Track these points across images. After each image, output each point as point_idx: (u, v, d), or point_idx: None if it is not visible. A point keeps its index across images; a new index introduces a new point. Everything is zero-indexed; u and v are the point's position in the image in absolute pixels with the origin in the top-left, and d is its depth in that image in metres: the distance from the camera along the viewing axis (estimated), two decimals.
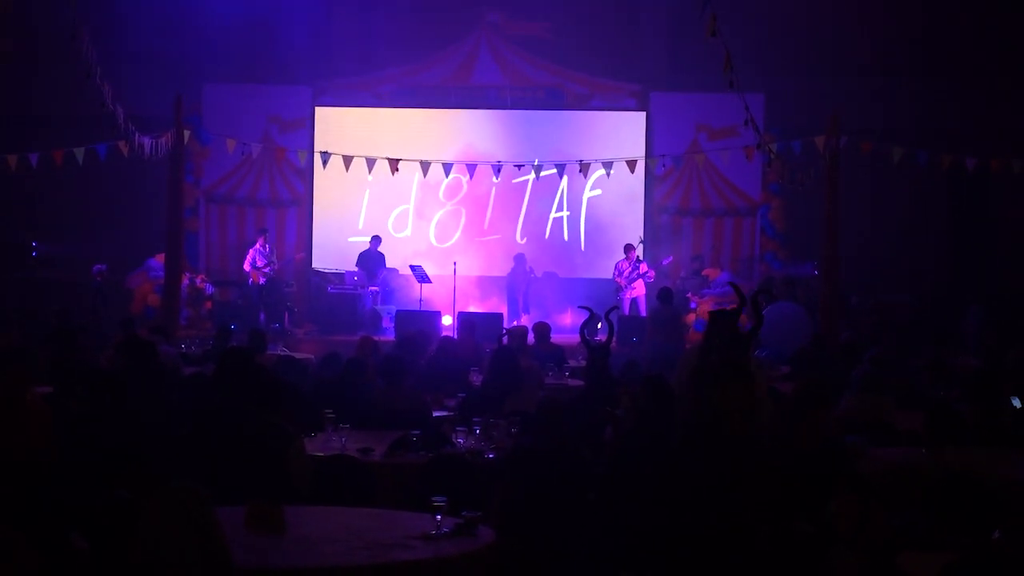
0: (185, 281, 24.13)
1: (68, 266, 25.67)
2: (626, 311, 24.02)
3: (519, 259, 25.08)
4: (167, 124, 22.26)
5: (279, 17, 26.81)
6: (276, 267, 25.12)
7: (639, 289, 24.46)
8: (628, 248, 24.77)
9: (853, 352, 15.49)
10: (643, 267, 24.43)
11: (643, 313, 24.20)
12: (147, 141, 20.92)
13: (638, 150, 25.71)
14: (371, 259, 25.22)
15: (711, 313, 11.71)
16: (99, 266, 24.74)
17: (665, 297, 20.77)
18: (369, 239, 25.65)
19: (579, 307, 19.30)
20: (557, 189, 26.28)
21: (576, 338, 16.38)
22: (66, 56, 17.83)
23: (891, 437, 10.72)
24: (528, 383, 12.96)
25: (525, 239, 26.48)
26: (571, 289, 25.20)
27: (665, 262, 25.42)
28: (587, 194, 26.45)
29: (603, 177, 24.75)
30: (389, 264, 25.59)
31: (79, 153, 22.44)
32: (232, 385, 9.51)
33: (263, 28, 26.81)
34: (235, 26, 26.27)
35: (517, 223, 26.65)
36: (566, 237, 26.68)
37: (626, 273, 24.36)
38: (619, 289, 24.25)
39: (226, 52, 26.51)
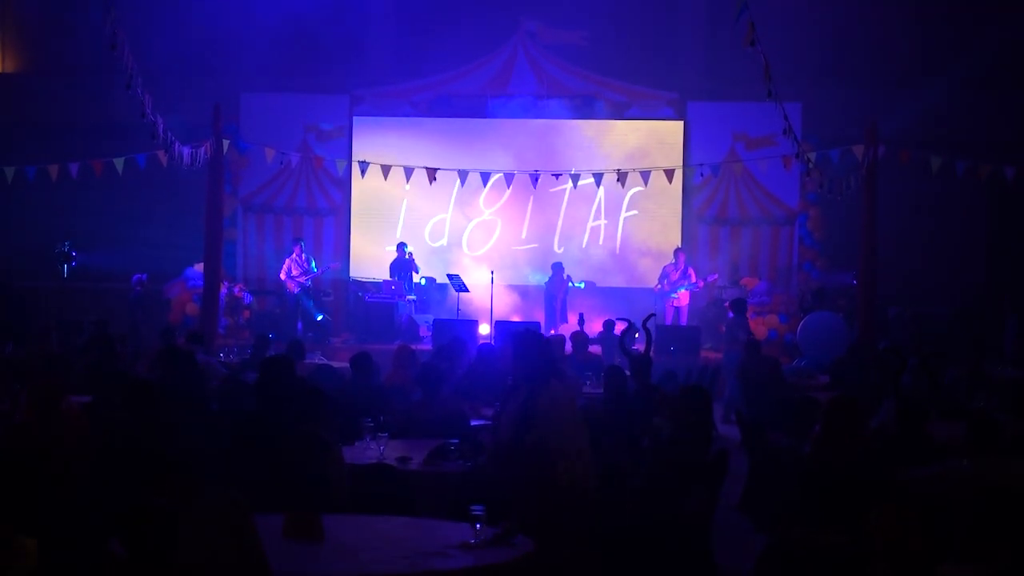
0: (223, 290, 24.19)
1: (107, 276, 25.77)
2: (668, 320, 23.97)
3: (557, 268, 25.02)
4: (205, 133, 22.36)
5: (316, 26, 26.93)
6: (315, 275, 25.15)
7: (683, 299, 24.39)
8: (677, 252, 24.73)
9: (891, 361, 15.39)
10: (692, 275, 24.37)
11: (684, 322, 24.14)
12: (186, 151, 21.00)
13: (676, 159, 25.66)
14: (402, 266, 25.17)
15: None
16: (138, 275, 24.82)
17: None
18: (396, 247, 25.53)
19: (617, 318, 19.32)
20: (594, 198, 26.21)
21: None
22: (106, 66, 17.93)
23: (930, 448, 10.64)
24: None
25: (563, 248, 26.42)
26: (609, 298, 25.15)
27: (711, 279, 25.25)
28: (624, 203, 26.37)
29: (640, 186, 24.73)
30: (427, 273, 25.54)
31: (119, 163, 22.56)
32: (273, 394, 9.53)
33: (300, 37, 26.94)
34: (272, 35, 26.38)
35: (555, 232, 26.60)
36: (603, 246, 26.59)
37: (673, 278, 24.31)
38: (663, 295, 24.21)
39: (263, 61, 26.60)
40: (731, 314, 21.91)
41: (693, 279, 24.37)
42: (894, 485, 8.46)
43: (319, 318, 24.95)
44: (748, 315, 22.02)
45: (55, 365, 13.79)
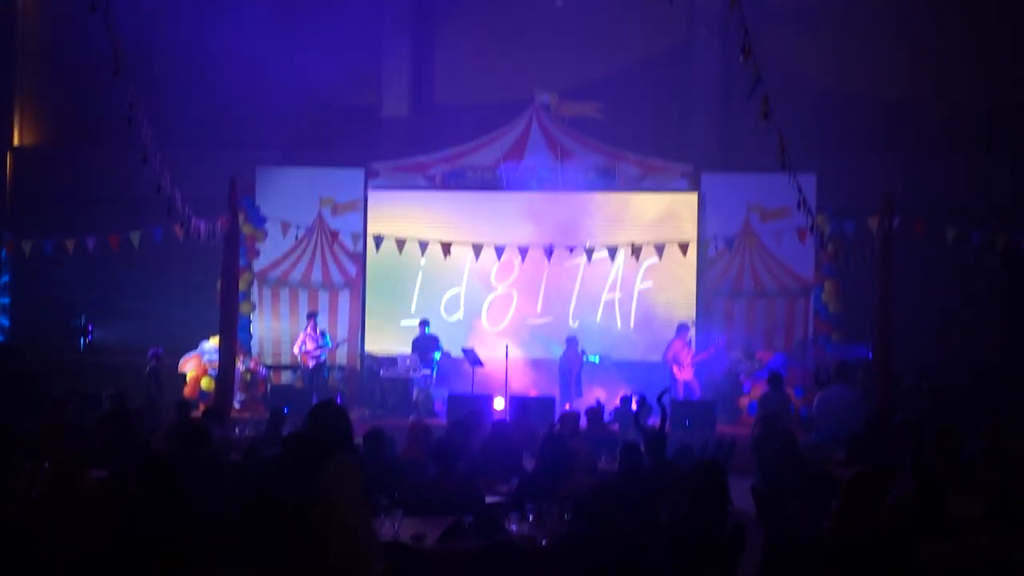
0: (239, 365, 24.21)
1: (123, 349, 25.80)
2: (678, 394, 23.92)
3: (571, 342, 24.97)
4: (221, 206, 22.44)
5: (332, 100, 27.11)
6: (330, 349, 25.19)
7: (687, 373, 24.39)
8: (681, 328, 24.74)
9: (907, 436, 15.31)
10: (683, 353, 24.45)
11: (694, 396, 24.11)
12: (203, 225, 21.06)
13: (690, 231, 25.70)
14: (424, 343, 25.19)
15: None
16: (154, 349, 24.83)
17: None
18: (418, 324, 25.60)
19: (631, 393, 19.28)
20: (609, 271, 26.22)
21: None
22: (123, 140, 18.03)
23: (949, 523, 10.58)
24: (579, 468, 12.90)
25: (577, 322, 26.39)
26: (624, 371, 25.09)
27: (715, 346, 25.26)
28: (639, 275, 26.35)
29: (655, 258, 24.75)
30: (443, 347, 25.52)
31: (135, 237, 22.67)
32: (294, 469, 9.51)
33: (316, 111, 27.13)
34: (288, 109, 26.63)
35: (569, 306, 26.58)
36: (618, 320, 26.55)
37: (679, 355, 24.34)
38: (673, 370, 24.21)
39: (279, 135, 26.80)
40: (767, 387, 21.88)
41: (684, 357, 24.41)
42: (913, 561, 8.41)
43: (341, 391, 25.00)
44: (782, 388, 21.97)
45: (71, 439, 13.78)
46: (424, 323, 25.46)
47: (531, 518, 10.40)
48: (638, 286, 26.44)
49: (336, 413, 8.77)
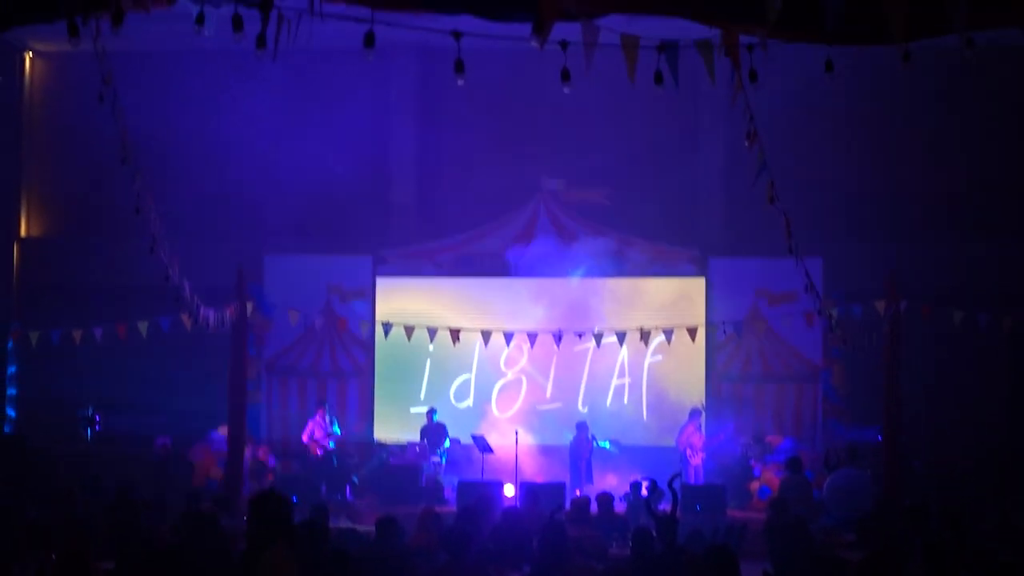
0: (247, 454, 24.16)
1: (131, 439, 25.73)
2: (689, 479, 23.84)
3: (581, 427, 24.92)
4: (228, 294, 22.52)
5: (338, 188, 27.24)
6: (338, 437, 25.14)
7: (698, 458, 24.35)
8: (694, 413, 24.72)
9: (917, 518, 15.24)
10: (696, 438, 24.44)
11: (702, 481, 24.04)
12: (211, 314, 21.11)
13: (698, 315, 25.70)
14: (432, 432, 25.15)
15: None
16: (162, 439, 24.79)
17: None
18: (426, 412, 25.57)
19: (642, 478, 19.22)
20: (618, 356, 26.17)
21: None
22: (130, 230, 18.11)
23: None
24: (584, 555, 12.85)
25: (587, 407, 26.33)
26: (634, 457, 25.01)
27: (729, 427, 25.23)
28: (648, 361, 26.29)
29: (664, 343, 24.74)
30: (453, 434, 25.45)
31: (143, 327, 22.72)
32: (303, 558, 9.47)
33: (323, 199, 27.24)
34: (295, 197, 26.77)
35: (579, 391, 26.52)
36: (628, 404, 26.48)
37: (692, 439, 24.31)
38: (684, 457, 24.16)
39: (286, 223, 26.94)
40: (787, 472, 21.84)
41: (697, 441, 24.40)
42: None
43: (355, 479, 24.92)
44: (803, 472, 21.90)
45: (79, 530, 13.74)
46: (431, 411, 25.43)
47: None
48: (647, 371, 26.39)
49: (275, 504, 8.56)
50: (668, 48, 9.84)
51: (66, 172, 28.89)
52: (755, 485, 24.52)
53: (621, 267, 26.33)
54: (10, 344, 27.19)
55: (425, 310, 25.80)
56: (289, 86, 26.75)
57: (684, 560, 11.39)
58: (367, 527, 17.19)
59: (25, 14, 9.69)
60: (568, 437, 25.09)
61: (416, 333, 24.45)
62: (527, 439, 25.14)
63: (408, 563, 12.18)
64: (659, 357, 26.26)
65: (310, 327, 25.60)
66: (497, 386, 26.67)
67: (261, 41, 9.27)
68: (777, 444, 25.13)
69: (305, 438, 25.10)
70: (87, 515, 16.92)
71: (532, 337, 24.58)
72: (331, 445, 24.96)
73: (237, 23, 9.19)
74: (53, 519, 15.80)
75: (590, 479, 24.36)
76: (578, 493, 22.17)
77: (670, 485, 13.98)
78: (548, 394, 26.53)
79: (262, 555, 8.24)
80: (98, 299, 26.26)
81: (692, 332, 24.08)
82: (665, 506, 15.59)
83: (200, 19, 9.31)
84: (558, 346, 24.66)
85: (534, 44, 8.92)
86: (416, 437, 25.23)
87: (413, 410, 26.18)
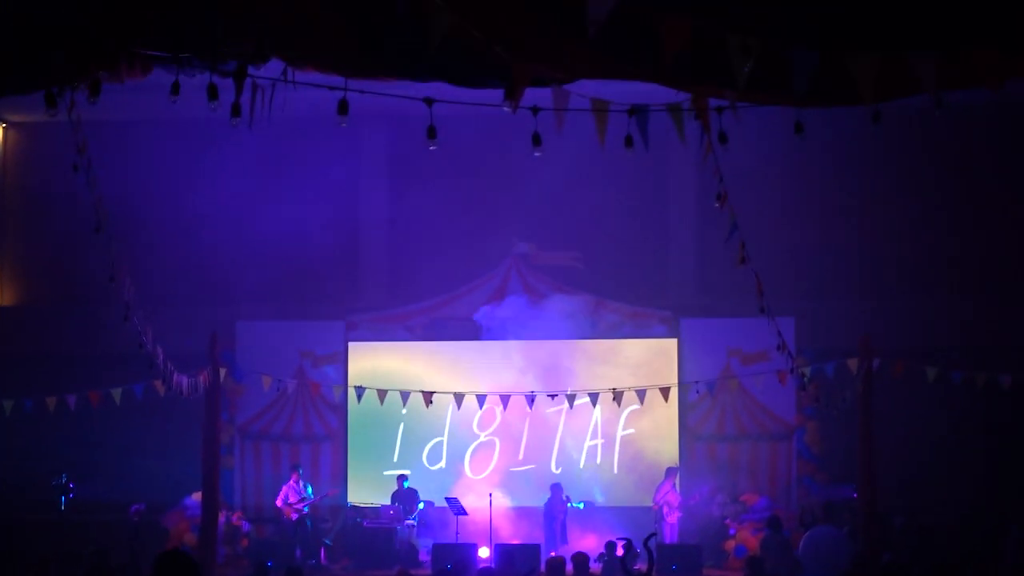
0: (221, 519, 24.11)
1: (105, 507, 25.61)
2: (665, 538, 23.87)
3: (555, 488, 24.97)
4: (201, 361, 22.53)
5: (311, 254, 27.29)
6: (312, 501, 25.09)
7: (672, 517, 24.40)
8: (670, 472, 24.79)
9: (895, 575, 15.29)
10: (673, 496, 24.51)
11: (677, 540, 24.08)
12: (184, 380, 21.11)
13: (671, 376, 25.77)
14: (403, 497, 25.14)
15: None
16: (136, 506, 24.71)
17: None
18: (396, 477, 25.57)
19: (618, 536, 19.22)
20: (591, 417, 26.19)
21: None
22: (104, 298, 18.13)
23: None
24: None
25: (560, 468, 26.33)
26: (608, 517, 25.02)
27: (704, 489, 25.30)
28: (621, 421, 26.32)
29: (637, 404, 24.81)
30: (425, 497, 25.45)
31: (116, 394, 22.71)
32: None
33: (294, 265, 27.29)
34: (267, 264, 26.83)
35: (552, 452, 26.51)
36: (601, 464, 26.48)
37: (668, 497, 24.37)
38: (660, 516, 24.20)
39: (259, 290, 26.97)
40: (767, 530, 21.87)
41: (673, 499, 24.46)
42: None
43: (328, 542, 24.90)
44: (783, 531, 21.92)
45: None
46: (402, 477, 25.43)
47: None
48: (620, 431, 26.41)
49: (182, 565, 8.33)
50: (638, 112, 9.93)
51: (40, 240, 28.86)
52: (730, 544, 24.57)
53: (593, 329, 26.41)
54: None
55: (398, 373, 25.81)
56: (262, 153, 26.77)
57: None
58: None
59: (2, 87, 9.75)
60: (543, 498, 25.10)
61: (389, 396, 24.46)
62: (501, 501, 25.15)
63: None
64: (631, 428, 26.28)
65: (283, 392, 25.60)
66: (470, 448, 26.66)
67: (236, 110, 9.34)
68: (752, 503, 25.17)
69: (279, 502, 25.05)
70: None
71: (505, 399, 24.62)
72: (305, 509, 24.90)
73: (212, 92, 9.26)
74: None
75: (565, 540, 24.37)
76: (553, 554, 22.16)
77: (646, 544, 13.98)
78: (521, 456, 26.52)
79: None
80: (71, 367, 26.15)
81: (665, 392, 24.15)
82: (641, 566, 15.58)
83: (175, 89, 9.37)
84: (531, 408, 24.69)
85: (506, 109, 9.00)
86: (390, 500, 25.22)
87: (387, 473, 26.14)
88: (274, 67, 9.39)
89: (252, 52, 9.07)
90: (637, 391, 24.18)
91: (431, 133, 9.98)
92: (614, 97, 9.86)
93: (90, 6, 8.75)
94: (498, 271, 27.00)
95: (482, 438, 26.65)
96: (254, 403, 26.69)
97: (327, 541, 25.06)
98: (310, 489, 25.24)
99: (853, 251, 27.34)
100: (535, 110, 9.93)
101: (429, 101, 9.88)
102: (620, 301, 26.66)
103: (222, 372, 23.33)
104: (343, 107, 9.58)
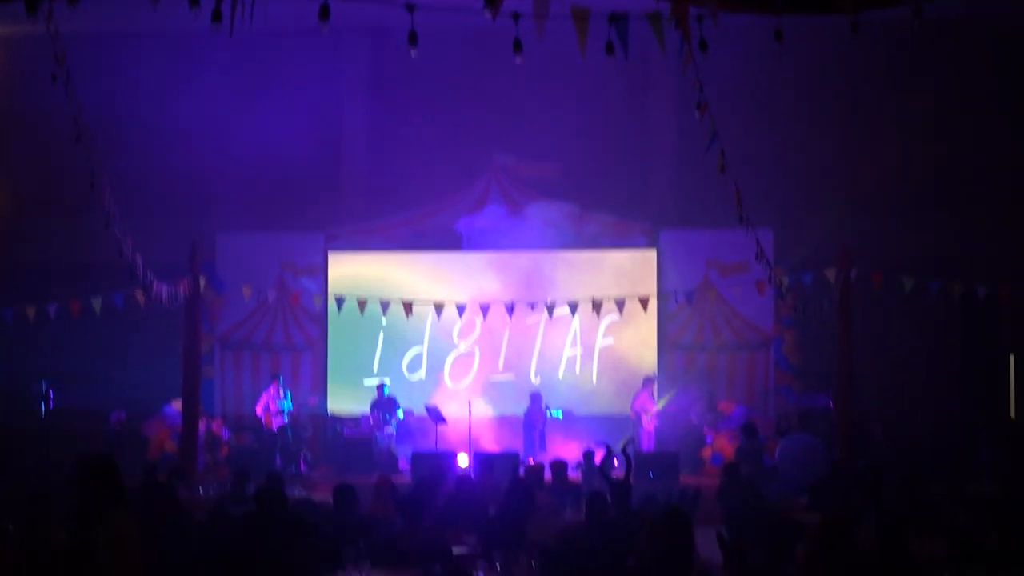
0: (202, 427, 24.21)
1: (86, 415, 25.67)
2: (643, 445, 24.05)
3: (535, 398, 25.12)
4: (182, 272, 22.57)
5: (291, 166, 27.19)
6: (292, 411, 25.19)
7: (650, 425, 24.57)
8: (647, 381, 24.92)
9: (870, 480, 15.44)
10: (651, 403, 24.68)
11: (654, 447, 24.27)
12: (164, 289, 21.12)
13: (650, 287, 25.86)
14: (383, 406, 25.24)
15: None
16: (117, 414, 24.81)
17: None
18: (376, 386, 25.68)
19: (596, 443, 19.36)
20: (570, 328, 26.32)
21: None
22: (84, 207, 18.08)
23: (912, 564, 10.69)
24: (543, 516, 12.99)
25: (539, 378, 26.47)
26: (587, 426, 25.18)
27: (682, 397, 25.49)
28: (600, 331, 26.45)
29: (616, 314, 24.90)
30: (406, 405, 25.57)
31: (96, 303, 22.70)
32: (268, 525, 9.53)
33: (276, 177, 27.20)
34: (248, 175, 26.72)
35: (531, 362, 26.66)
36: (580, 375, 26.62)
37: (646, 405, 24.54)
38: (638, 422, 24.38)
39: (240, 201, 26.89)
40: (742, 437, 22.04)
41: (651, 408, 24.64)
42: None
43: (307, 455, 25.05)
44: (758, 438, 22.10)
45: (38, 503, 13.76)
46: (382, 386, 25.51)
47: (499, 568, 10.45)
48: (600, 341, 26.54)
49: (102, 469, 8.17)
50: (618, 20, 9.93)
51: (19, 151, 28.69)
52: (707, 452, 24.77)
53: (574, 239, 26.41)
54: None
55: (378, 283, 25.88)
56: (243, 66, 26.67)
57: (638, 524, 11.53)
58: (323, 497, 17.29)
59: None
60: (522, 407, 25.25)
61: (369, 306, 24.52)
62: (481, 409, 25.29)
63: (365, 529, 12.28)
64: (610, 338, 26.41)
65: (263, 301, 25.64)
66: (450, 358, 26.78)
67: (217, 15, 9.30)
68: (729, 411, 25.35)
69: (260, 411, 25.15)
70: (44, 490, 16.93)
71: (484, 309, 24.71)
72: (285, 418, 24.99)
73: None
74: (11, 494, 15.83)
75: (544, 448, 24.54)
76: (531, 461, 22.32)
77: (623, 449, 14.13)
78: (501, 365, 26.65)
79: (99, 527, 7.95)
80: (52, 276, 26.10)
81: (644, 302, 24.25)
82: (619, 473, 15.71)
83: None
84: (510, 318, 24.79)
85: (487, 15, 8.99)
86: (369, 410, 25.34)
87: (367, 382, 26.24)
88: None
89: None
90: (616, 301, 24.27)
91: (412, 39, 9.98)
92: (594, 6, 9.86)
93: None
94: (479, 182, 26.96)
95: (462, 348, 26.76)
96: (234, 313, 26.69)
97: (305, 454, 25.19)
98: (289, 397, 25.32)
99: (832, 163, 27.32)
100: (516, 16, 9.92)
101: (411, 7, 9.87)
102: (601, 212, 26.63)
103: (202, 282, 23.36)
104: (324, 12, 9.56)
